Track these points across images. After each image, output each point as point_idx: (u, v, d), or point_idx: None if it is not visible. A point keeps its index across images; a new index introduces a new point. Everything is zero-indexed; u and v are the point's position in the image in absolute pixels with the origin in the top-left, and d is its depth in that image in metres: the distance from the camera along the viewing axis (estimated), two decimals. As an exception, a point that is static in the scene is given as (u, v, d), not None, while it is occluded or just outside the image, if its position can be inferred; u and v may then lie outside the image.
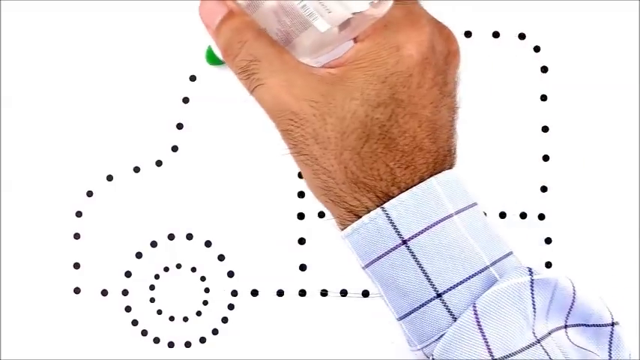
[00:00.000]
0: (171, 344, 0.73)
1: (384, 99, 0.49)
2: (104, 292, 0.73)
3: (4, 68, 0.73)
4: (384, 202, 0.49)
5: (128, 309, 0.73)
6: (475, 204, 0.51)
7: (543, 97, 0.73)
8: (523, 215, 0.73)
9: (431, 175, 0.50)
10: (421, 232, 0.49)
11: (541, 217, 0.73)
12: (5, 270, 0.73)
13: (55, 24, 0.73)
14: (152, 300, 0.73)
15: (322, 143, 0.49)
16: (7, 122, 0.73)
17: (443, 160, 0.51)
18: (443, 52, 0.51)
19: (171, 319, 0.73)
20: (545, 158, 0.73)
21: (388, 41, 0.49)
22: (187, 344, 0.73)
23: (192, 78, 0.74)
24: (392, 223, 0.49)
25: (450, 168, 0.51)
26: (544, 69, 0.73)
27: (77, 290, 0.73)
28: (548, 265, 0.73)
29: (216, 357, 0.73)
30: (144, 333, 0.73)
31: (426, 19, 0.51)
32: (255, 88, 0.50)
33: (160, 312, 0.73)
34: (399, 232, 0.49)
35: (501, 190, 0.73)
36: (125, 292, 0.73)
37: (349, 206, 0.49)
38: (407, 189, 0.49)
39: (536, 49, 0.73)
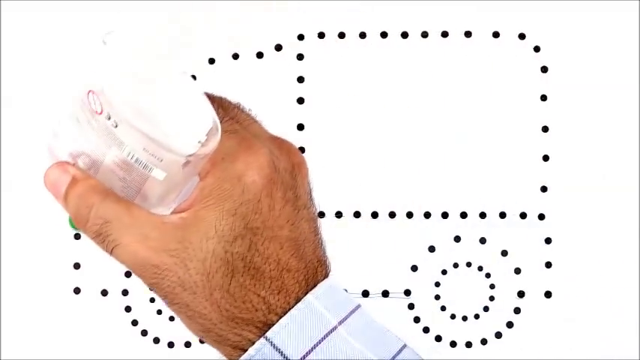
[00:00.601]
0: (171, 344, 0.73)
1: (239, 231, 0.49)
2: (104, 292, 0.73)
3: (4, 68, 0.73)
4: (266, 332, 0.49)
5: (128, 309, 0.73)
6: (358, 306, 0.51)
7: (543, 97, 0.73)
8: (523, 215, 0.73)
9: (306, 292, 0.49)
10: (309, 352, 0.48)
11: (541, 217, 0.73)
12: (5, 270, 0.73)
13: (55, 24, 0.73)
14: (152, 300, 0.73)
15: (190, 289, 0.49)
16: (7, 122, 0.73)
17: (314, 273, 0.50)
18: (287, 168, 0.51)
19: (172, 319, 0.73)
20: (545, 158, 0.73)
21: (228, 173, 0.49)
22: (187, 344, 0.73)
23: (192, 78, 0.74)
24: (278, 349, 0.49)
25: (325, 278, 0.51)
26: (544, 69, 0.73)
27: (77, 290, 0.73)
28: (548, 265, 0.73)
29: (217, 357, 0.73)
30: (144, 333, 0.73)
31: (261, 140, 0.51)
32: (112, 250, 0.50)
33: (159, 312, 0.73)
34: (286, 357, 0.49)
35: (501, 190, 0.73)
36: (125, 292, 0.73)
37: (233, 342, 0.50)
38: (285, 313, 0.49)
39: (536, 49, 0.73)
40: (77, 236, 0.73)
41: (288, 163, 0.51)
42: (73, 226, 0.71)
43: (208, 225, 0.49)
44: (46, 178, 0.52)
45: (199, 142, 0.48)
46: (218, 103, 0.51)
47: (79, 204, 0.50)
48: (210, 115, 0.49)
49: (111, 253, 0.50)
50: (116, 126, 0.47)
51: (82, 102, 0.48)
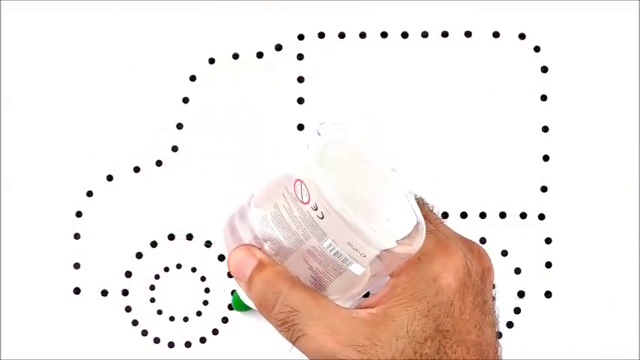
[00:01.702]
0: (171, 344, 0.73)
1: (429, 333, 0.48)
2: (104, 292, 0.73)
3: (4, 68, 0.73)
4: None
5: (128, 309, 0.73)
6: None
7: (543, 97, 0.73)
8: (523, 215, 0.73)
9: None
10: None
11: (541, 217, 0.73)
12: (5, 270, 0.73)
13: (55, 24, 0.73)
14: (152, 300, 0.73)
15: None
16: (7, 122, 0.73)
17: None
18: (478, 273, 0.52)
19: (172, 319, 0.73)
20: (545, 158, 0.73)
21: (424, 273, 0.49)
22: (187, 344, 0.73)
23: (192, 78, 0.74)
24: None
25: None
26: (544, 69, 0.73)
27: (77, 290, 0.73)
28: (548, 265, 0.73)
29: (216, 357, 0.73)
30: (144, 333, 0.73)
31: (456, 242, 0.51)
32: (297, 339, 0.49)
33: (160, 312, 0.73)
34: None
35: (501, 190, 0.73)
36: (125, 292, 0.73)
37: None
38: None
39: (536, 49, 0.73)
40: (77, 236, 0.73)
41: (479, 268, 0.52)
42: (238, 307, 0.72)
43: (400, 324, 0.48)
44: (231, 258, 0.51)
45: (403, 239, 0.47)
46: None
47: (266, 290, 0.50)
48: (414, 215, 0.48)
49: (295, 342, 0.49)
50: (322, 217, 0.47)
51: (286, 189, 0.47)
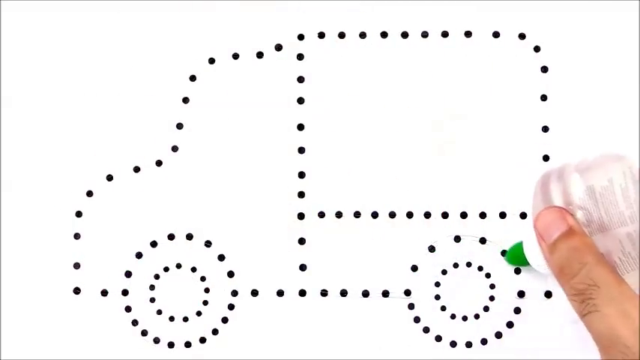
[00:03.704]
0: (171, 344, 0.73)
1: None
2: (104, 292, 0.73)
3: (4, 68, 0.73)
4: None
5: (128, 309, 0.73)
6: None
7: (543, 97, 0.73)
8: (523, 215, 0.73)
9: None
10: None
11: (541, 217, 0.73)
12: (5, 270, 0.73)
13: (55, 24, 0.73)
14: (152, 300, 0.73)
15: None
16: (7, 122, 0.73)
17: None
18: None
19: (172, 319, 0.73)
20: (545, 158, 0.73)
21: None
22: (187, 344, 0.73)
23: (192, 78, 0.74)
24: None
25: None
26: (544, 69, 0.73)
27: (77, 290, 0.73)
28: (548, 265, 0.73)
29: (216, 357, 0.73)
30: (144, 333, 0.73)
31: None
32: (588, 313, 0.49)
33: (159, 312, 0.73)
34: None
35: (501, 190, 0.73)
36: (125, 292, 0.73)
37: None
38: None
39: (536, 49, 0.73)
40: (77, 236, 0.73)
41: None
42: (514, 260, 0.69)
43: None
44: (540, 217, 0.51)
45: None
46: None
47: (572, 257, 0.50)
48: None
49: (584, 316, 0.49)
50: None
51: (629, 169, 0.46)
